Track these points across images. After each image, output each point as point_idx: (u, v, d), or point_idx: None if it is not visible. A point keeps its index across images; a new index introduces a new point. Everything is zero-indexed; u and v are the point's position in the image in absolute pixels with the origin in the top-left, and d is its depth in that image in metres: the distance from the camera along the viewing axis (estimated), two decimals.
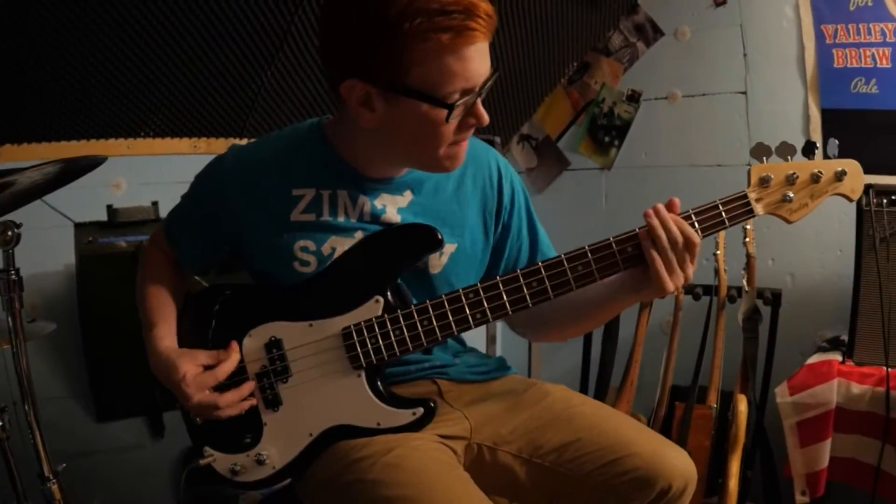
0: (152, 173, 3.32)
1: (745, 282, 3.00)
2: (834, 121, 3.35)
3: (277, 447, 1.71)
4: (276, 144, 1.79)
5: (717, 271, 3.09)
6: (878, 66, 3.21)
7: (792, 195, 1.67)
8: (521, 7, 3.58)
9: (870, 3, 3.20)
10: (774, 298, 3.14)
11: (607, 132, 4.08)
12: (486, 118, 1.60)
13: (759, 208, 1.68)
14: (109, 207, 3.13)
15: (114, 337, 3.10)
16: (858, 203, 2.71)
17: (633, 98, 3.97)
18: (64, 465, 2.10)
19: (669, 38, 3.83)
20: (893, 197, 2.68)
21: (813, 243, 3.37)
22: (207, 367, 1.68)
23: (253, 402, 1.70)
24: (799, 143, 3.33)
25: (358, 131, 1.65)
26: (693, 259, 1.62)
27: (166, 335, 1.76)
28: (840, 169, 1.69)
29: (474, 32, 1.47)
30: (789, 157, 1.70)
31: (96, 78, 2.94)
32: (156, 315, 1.80)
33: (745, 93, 3.61)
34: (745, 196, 1.67)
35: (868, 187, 2.69)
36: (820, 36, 3.34)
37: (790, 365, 2.91)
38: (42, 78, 2.84)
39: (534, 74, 4.08)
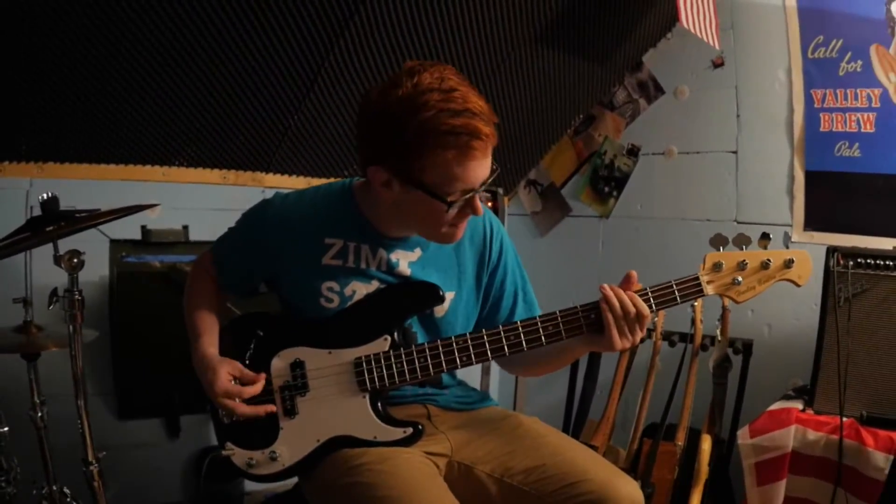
0: (184, 199, 3.54)
1: (718, 331, 3.21)
2: (817, 182, 3.47)
3: (289, 448, 2.00)
4: (313, 199, 2.11)
5: (693, 321, 3.28)
6: (862, 130, 3.32)
7: (741, 279, 1.92)
8: (534, 60, 3.78)
9: (858, 69, 3.31)
10: (745, 348, 3.31)
11: (607, 182, 4.24)
12: (480, 211, 1.93)
13: (709, 289, 1.94)
14: (143, 228, 3.37)
15: (141, 345, 3.38)
16: (826, 264, 2.87)
17: (633, 152, 4.13)
18: (104, 452, 2.40)
19: (669, 96, 4.00)
20: (859, 259, 2.81)
21: (790, 296, 3.35)
22: (236, 378, 1.97)
23: (274, 409, 1.99)
24: (784, 203, 3.53)
25: (379, 202, 1.97)
26: (642, 328, 1.91)
27: (211, 344, 2.06)
28: (789, 258, 1.92)
29: (475, 151, 1.80)
30: (744, 247, 1.93)
31: (136, 108, 3.18)
32: (202, 327, 2.10)
33: (735, 152, 3.75)
34: (697, 278, 1.94)
35: (833, 250, 2.86)
36: (809, 100, 3.46)
37: (763, 409, 3.01)
38: (86, 104, 3.07)
39: (542, 124, 4.26)
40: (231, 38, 3.02)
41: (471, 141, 1.77)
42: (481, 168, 1.84)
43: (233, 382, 1.96)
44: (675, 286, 1.93)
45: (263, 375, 2.00)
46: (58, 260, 2.24)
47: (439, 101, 1.76)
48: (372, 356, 1.99)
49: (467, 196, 1.86)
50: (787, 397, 3.12)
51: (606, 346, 1.92)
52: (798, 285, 1.95)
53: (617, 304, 1.88)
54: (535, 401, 4.24)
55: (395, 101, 1.79)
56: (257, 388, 1.98)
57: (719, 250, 1.95)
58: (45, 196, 2.24)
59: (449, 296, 2.10)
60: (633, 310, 1.88)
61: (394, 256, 2.06)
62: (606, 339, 1.90)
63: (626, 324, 1.89)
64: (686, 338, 3.36)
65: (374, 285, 2.05)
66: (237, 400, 1.95)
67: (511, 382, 4.22)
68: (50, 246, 2.30)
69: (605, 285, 1.90)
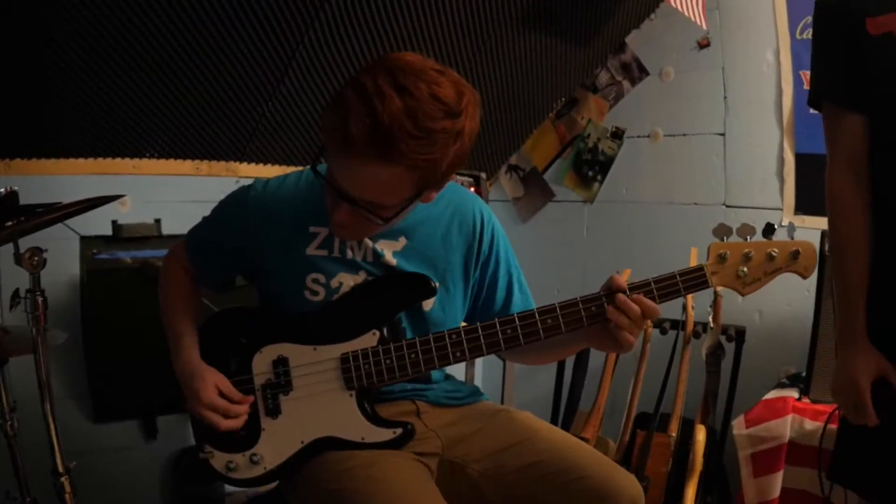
0: (156, 192, 3.45)
1: (710, 318, 3.14)
2: (807, 164, 3.42)
3: (271, 450, 1.90)
4: (297, 184, 1.99)
5: (685, 307, 3.22)
6: None
7: (746, 271, 1.82)
8: (514, 42, 3.71)
9: None
10: (738, 335, 3.26)
11: (591, 167, 4.19)
12: (336, 220, 1.77)
13: (713, 280, 1.83)
14: (114, 223, 3.26)
15: (115, 344, 3.25)
16: (820, 249, 2.80)
17: (617, 135, 4.09)
18: (74, 462, 2.27)
19: (654, 77, 3.96)
20: None
21: (782, 282, 3.30)
22: (222, 392, 1.88)
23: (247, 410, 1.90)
24: (774, 186, 3.47)
25: None
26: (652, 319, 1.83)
27: (193, 345, 1.95)
28: (794, 249, 1.82)
29: (349, 150, 1.62)
30: (748, 237, 1.84)
31: (104, 99, 3.09)
32: (182, 326, 1.99)
33: (723, 134, 3.72)
34: (702, 269, 1.83)
35: (827, 234, 2.82)
36: (798, 81, 3.43)
37: (755, 397, 3.01)
38: (52, 97, 2.98)
39: (523, 107, 4.20)
40: (202, 26, 2.94)
41: (344, 141, 1.61)
42: (351, 179, 1.68)
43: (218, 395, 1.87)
44: (679, 278, 1.82)
45: (251, 399, 1.90)
46: (18, 259, 2.10)
47: (364, 92, 1.60)
48: (360, 352, 1.89)
49: (329, 189, 1.74)
50: (781, 385, 3.11)
51: (622, 349, 1.84)
52: (804, 277, 1.87)
53: (624, 319, 1.78)
54: (523, 391, 4.16)
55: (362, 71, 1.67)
56: (244, 409, 1.88)
57: (723, 241, 1.86)
58: (2, 191, 2.13)
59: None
60: (640, 313, 1.78)
61: (378, 246, 1.96)
62: (622, 344, 1.81)
63: (637, 326, 1.80)
64: (678, 325, 3.31)
65: (362, 276, 1.95)
66: (215, 413, 1.85)
67: (497, 373, 4.13)
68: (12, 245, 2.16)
69: (611, 308, 1.79)
